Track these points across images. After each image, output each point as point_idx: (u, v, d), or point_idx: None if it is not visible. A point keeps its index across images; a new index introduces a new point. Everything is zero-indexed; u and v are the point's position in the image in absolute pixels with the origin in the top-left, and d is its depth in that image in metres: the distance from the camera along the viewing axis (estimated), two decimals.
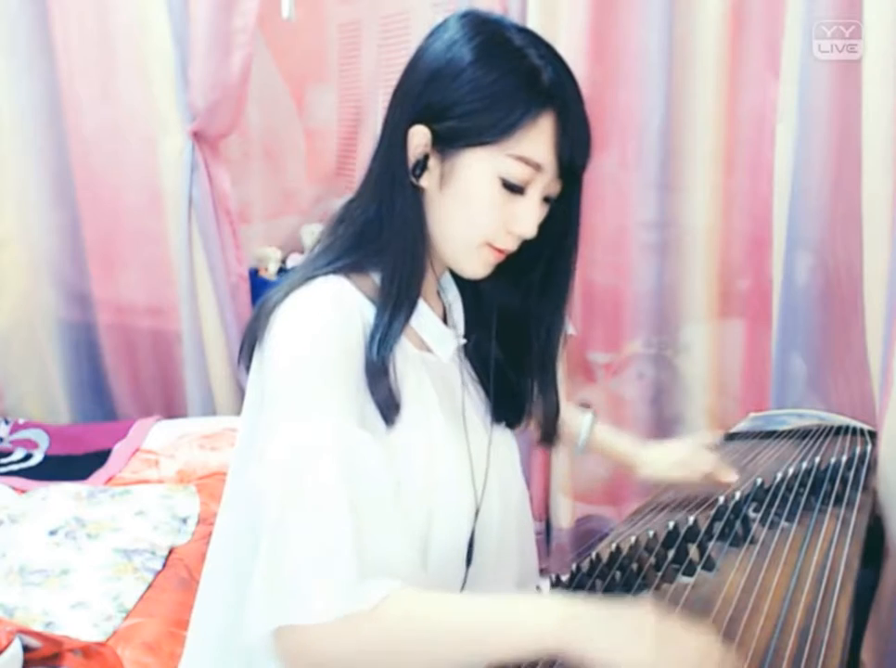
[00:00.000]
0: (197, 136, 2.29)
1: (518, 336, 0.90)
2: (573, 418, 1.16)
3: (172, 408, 2.53)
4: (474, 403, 0.90)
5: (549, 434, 0.95)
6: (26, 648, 1.21)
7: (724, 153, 1.78)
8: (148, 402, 2.55)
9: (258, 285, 2.70)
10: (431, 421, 0.81)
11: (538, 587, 0.90)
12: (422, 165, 0.78)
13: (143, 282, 2.48)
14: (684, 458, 1.13)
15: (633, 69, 1.82)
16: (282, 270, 2.90)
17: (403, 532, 0.72)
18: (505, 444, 0.93)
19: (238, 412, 2.80)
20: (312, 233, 3.07)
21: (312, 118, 3.24)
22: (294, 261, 2.95)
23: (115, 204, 2.40)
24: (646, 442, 1.18)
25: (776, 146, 1.58)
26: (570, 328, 0.93)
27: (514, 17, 1.85)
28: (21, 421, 2.32)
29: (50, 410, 2.48)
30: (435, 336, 0.85)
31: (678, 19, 1.75)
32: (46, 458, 2.14)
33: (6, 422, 2.30)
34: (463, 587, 0.83)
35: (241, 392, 2.48)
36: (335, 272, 0.79)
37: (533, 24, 1.82)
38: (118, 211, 2.41)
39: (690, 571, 0.91)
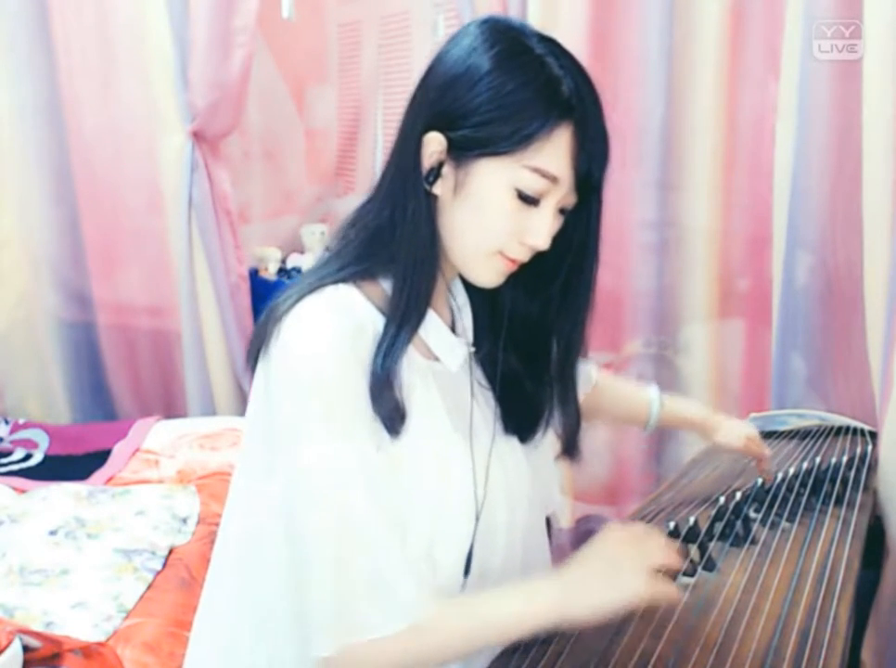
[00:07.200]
0: (197, 136, 2.29)
1: (537, 347, 0.88)
2: (635, 396, 1.17)
3: (172, 408, 2.53)
4: (483, 412, 0.87)
5: (570, 448, 0.92)
6: (26, 649, 1.21)
7: (724, 153, 1.78)
8: (148, 402, 2.55)
9: (258, 285, 2.70)
10: (439, 432, 0.80)
11: None
12: (436, 172, 0.77)
13: (143, 282, 2.48)
14: (756, 436, 1.20)
15: (633, 68, 1.82)
16: (282, 270, 2.90)
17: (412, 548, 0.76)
18: (514, 455, 0.89)
19: (238, 412, 2.78)
20: (312, 233, 3.07)
21: (312, 118, 3.24)
22: (294, 261, 2.95)
23: (115, 204, 2.40)
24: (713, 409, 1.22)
25: (776, 146, 1.58)
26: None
27: (513, 16, 1.85)
28: (21, 421, 2.32)
29: (50, 410, 2.48)
30: (443, 346, 0.84)
31: (678, 18, 1.75)
32: (46, 458, 2.14)
33: (6, 422, 2.30)
34: None
35: (241, 392, 2.48)
36: (344, 280, 0.78)
37: (533, 23, 1.81)
38: (118, 211, 2.41)
39: (691, 572, 0.91)
